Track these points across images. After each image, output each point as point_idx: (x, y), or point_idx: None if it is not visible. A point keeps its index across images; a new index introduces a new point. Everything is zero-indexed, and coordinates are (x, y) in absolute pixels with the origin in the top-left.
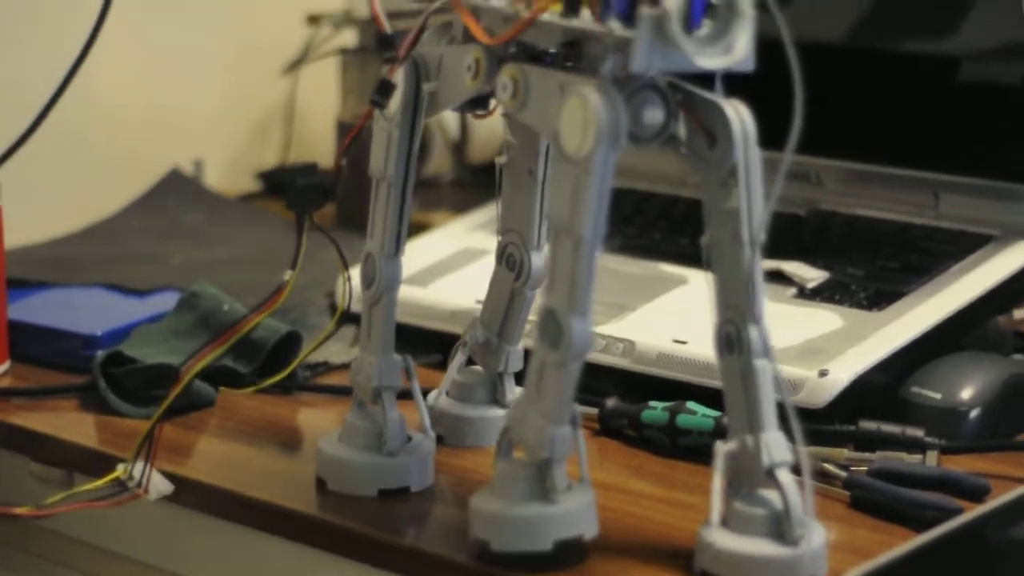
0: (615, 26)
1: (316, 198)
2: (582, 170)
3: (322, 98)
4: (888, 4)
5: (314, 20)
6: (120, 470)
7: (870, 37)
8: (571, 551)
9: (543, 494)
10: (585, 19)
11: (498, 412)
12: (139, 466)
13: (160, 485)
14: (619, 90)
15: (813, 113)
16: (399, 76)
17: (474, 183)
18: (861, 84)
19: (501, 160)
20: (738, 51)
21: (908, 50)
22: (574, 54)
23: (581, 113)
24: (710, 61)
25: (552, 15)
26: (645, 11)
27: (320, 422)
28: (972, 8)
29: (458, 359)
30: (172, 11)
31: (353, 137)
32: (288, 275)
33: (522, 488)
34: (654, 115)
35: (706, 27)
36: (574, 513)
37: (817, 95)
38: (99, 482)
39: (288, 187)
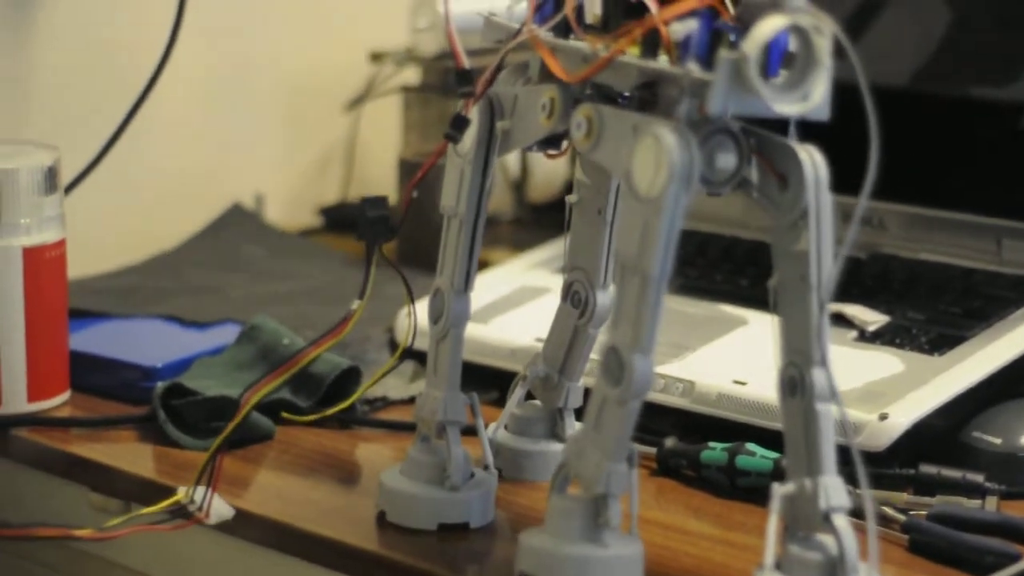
0: (693, 68)
1: (385, 230)
2: (653, 209)
3: (384, 135)
4: (952, 50)
5: (377, 58)
6: (181, 494)
7: (934, 82)
8: None
9: (595, 534)
10: (662, 62)
11: (556, 447)
12: (200, 491)
13: (221, 510)
14: (693, 132)
15: (878, 157)
16: (474, 112)
17: (534, 222)
18: (925, 129)
19: (572, 199)
20: (815, 99)
21: (972, 96)
22: (649, 96)
23: (654, 153)
24: (787, 108)
25: (630, 56)
26: (724, 54)
27: (378, 457)
28: None
29: (518, 393)
30: (236, 46)
31: (425, 172)
32: (355, 304)
33: (574, 525)
34: (727, 160)
35: (782, 75)
36: (624, 560)
37: (882, 139)
38: (160, 505)
39: (358, 218)
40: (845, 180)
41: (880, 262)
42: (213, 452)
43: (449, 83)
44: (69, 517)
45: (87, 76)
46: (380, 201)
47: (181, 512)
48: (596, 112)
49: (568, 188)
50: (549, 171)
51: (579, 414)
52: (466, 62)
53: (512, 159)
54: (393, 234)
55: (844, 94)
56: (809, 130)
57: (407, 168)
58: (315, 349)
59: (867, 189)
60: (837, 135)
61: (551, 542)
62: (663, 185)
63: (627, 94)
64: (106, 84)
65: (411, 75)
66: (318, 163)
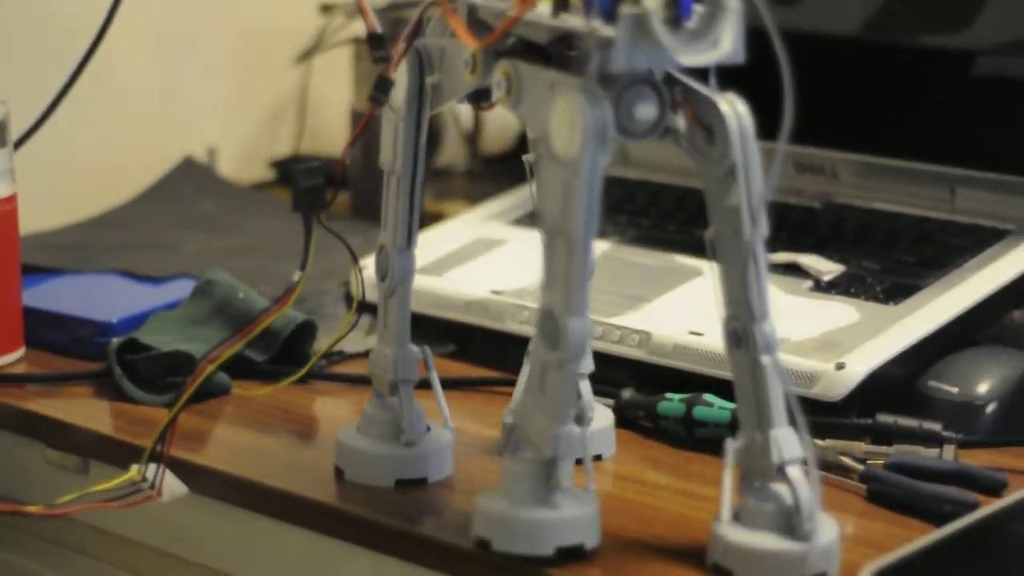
0: (597, 25)
1: (321, 199)
2: (571, 172)
3: (335, 87)
4: None
5: (327, 9)
6: (134, 471)
7: (887, 31)
8: (572, 558)
9: (548, 496)
10: (576, 11)
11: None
12: (152, 467)
13: (174, 487)
14: (608, 88)
15: (830, 107)
16: (401, 69)
17: (487, 173)
18: (878, 78)
19: (530, 159)
20: (725, 45)
21: (925, 44)
22: (567, 49)
23: (568, 115)
24: (695, 58)
25: (542, 12)
26: (625, 9)
27: (335, 410)
28: (988, 2)
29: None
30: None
31: (361, 130)
32: (298, 276)
33: (527, 488)
34: (646, 111)
35: (695, 20)
36: (578, 520)
37: (834, 88)
38: (112, 482)
39: (292, 189)
40: (793, 128)
41: (834, 211)
42: (164, 430)
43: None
44: (25, 474)
45: (35, 30)
46: (313, 170)
47: (134, 488)
48: (514, 70)
49: (522, 139)
50: (502, 123)
51: (593, 379)
52: (377, 25)
53: (465, 111)
54: (333, 198)
55: (794, 42)
56: (751, 79)
57: (359, 120)
58: (258, 324)
59: (784, 134)
60: (788, 84)
61: (505, 506)
62: (579, 147)
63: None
64: (55, 37)
65: (362, 26)
66: (270, 116)
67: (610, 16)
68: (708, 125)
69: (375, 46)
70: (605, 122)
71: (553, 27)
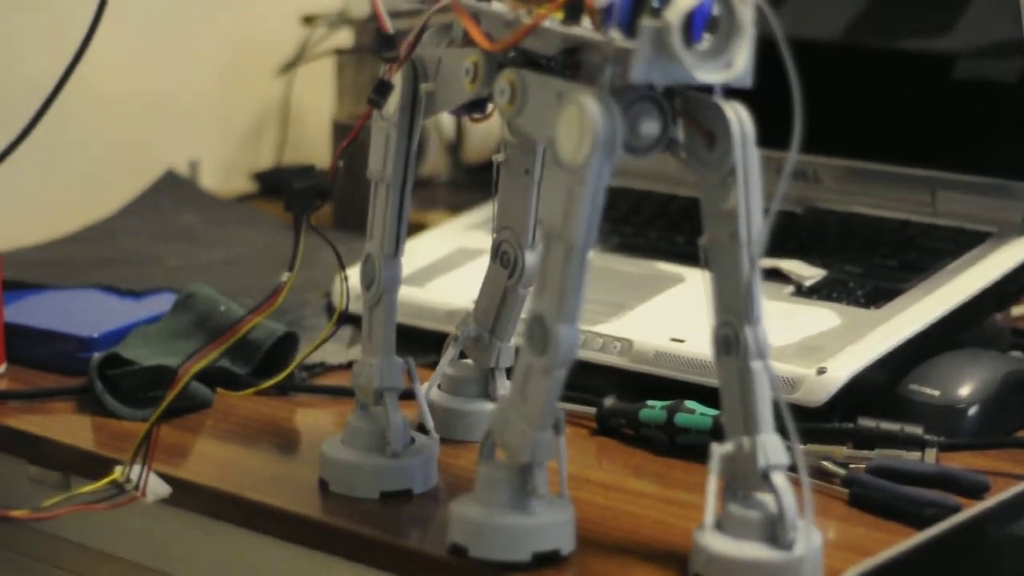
0: (616, 36)
1: (313, 200)
2: (577, 178)
3: (318, 99)
4: (885, 2)
5: (309, 20)
6: (117, 472)
7: (867, 35)
8: (548, 564)
9: (524, 502)
10: (586, 27)
11: (489, 406)
12: (136, 468)
13: (158, 488)
14: (616, 100)
15: (810, 111)
16: (397, 77)
17: (470, 183)
18: (858, 82)
19: (499, 158)
20: (737, 67)
21: (905, 48)
22: (573, 61)
23: (578, 121)
24: (709, 76)
25: (553, 22)
26: (646, 23)
27: (318, 423)
28: (969, 6)
29: (449, 353)
30: (167, 12)
31: (354, 135)
32: (286, 276)
33: (503, 494)
34: (650, 127)
35: (706, 41)
36: (554, 526)
37: (814, 93)
38: (96, 484)
39: (285, 189)
40: (778, 134)
41: (815, 216)
42: (148, 429)
43: (374, 47)
44: (7, 490)
45: (15, 45)
46: (307, 171)
47: (118, 490)
48: (519, 78)
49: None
50: (485, 132)
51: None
52: (389, 26)
53: (447, 121)
54: (323, 203)
55: (775, 48)
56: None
57: (341, 131)
58: (245, 324)
59: (795, 145)
60: (770, 90)
61: (481, 512)
62: (587, 154)
63: (551, 57)
64: (34, 52)
65: (344, 37)
66: (252, 128)
67: (628, 28)
68: (709, 131)
69: (386, 47)
70: (616, 131)
71: (566, 35)
